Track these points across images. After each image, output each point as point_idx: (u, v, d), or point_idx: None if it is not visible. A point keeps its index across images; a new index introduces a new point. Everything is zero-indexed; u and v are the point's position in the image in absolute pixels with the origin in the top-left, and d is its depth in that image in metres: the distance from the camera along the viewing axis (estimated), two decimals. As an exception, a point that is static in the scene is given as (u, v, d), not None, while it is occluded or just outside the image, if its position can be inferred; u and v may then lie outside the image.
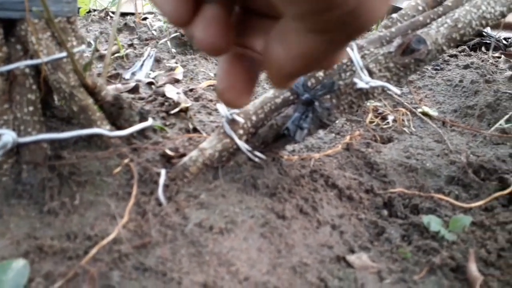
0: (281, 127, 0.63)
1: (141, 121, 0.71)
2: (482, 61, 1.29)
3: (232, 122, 0.65)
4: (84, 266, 0.47)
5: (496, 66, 1.22)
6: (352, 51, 0.62)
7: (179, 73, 1.17)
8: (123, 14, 1.65)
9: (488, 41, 1.49)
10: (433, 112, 0.90)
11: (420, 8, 0.65)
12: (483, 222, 0.55)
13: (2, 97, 0.58)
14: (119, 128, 0.68)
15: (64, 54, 0.60)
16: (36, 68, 0.60)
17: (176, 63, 1.24)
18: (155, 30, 1.38)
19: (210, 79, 1.17)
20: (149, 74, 1.15)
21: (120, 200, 0.57)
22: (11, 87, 0.59)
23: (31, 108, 0.59)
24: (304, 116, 0.62)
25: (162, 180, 0.60)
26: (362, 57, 0.62)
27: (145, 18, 1.50)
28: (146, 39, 1.34)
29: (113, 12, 1.59)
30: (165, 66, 1.23)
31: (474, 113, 0.85)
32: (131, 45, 1.30)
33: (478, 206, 0.58)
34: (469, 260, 0.48)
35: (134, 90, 1.00)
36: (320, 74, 0.63)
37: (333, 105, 0.62)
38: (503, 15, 0.58)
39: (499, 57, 1.34)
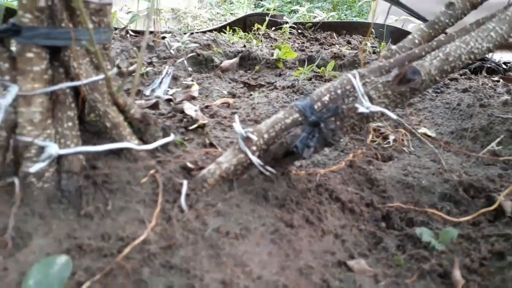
0: (290, 145, 0.70)
1: (164, 136, 0.79)
2: (482, 84, 1.36)
3: (246, 139, 0.72)
4: (119, 263, 0.54)
5: (494, 90, 1.28)
6: (355, 79, 0.69)
7: (195, 91, 1.25)
8: (140, 32, 1.75)
9: (489, 65, 1.56)
10: (431, 133, 0.97)
11: (417, 41, 0.73)
12: (470, 234, 0.62)
13: (46, 114, 0.66)
14: (145, 142, 0.76)
15: (100, 76, 0.68)
16: (75, 89, 0.69)
17: (192, 80, 1.33)
18: (173, 50, 1.47)
19: (224, 97, 1.25)
20: (167, 91, 1.24)
21: (147, 207, 0.65)
22: (54, 105, 0.67)
23: (70, 124, 0.67)
24: (311, 136, 0.69)
25: (184, 190, 0.67)
26: (364, 84, 0.69)
27: (163, 37, 1.59)
28: (165, 58, 1.43)
29: (132, 31, 1.69)
30: (182, 83, 1.31)
31: (469, 135, 0.92)
32: (150, 63, 1.39)
33: (466, 221, 0.65)
34: (454, 267, 0.54)
35: (155, 106, 1.08)
36: (326, 98, 0.71)
37: (337, 126, 0.69)
38: (490, 50, 0.65)
39: (498, 81, 1.41)
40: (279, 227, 0.64)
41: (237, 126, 0.74)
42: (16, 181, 0.63)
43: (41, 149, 0.64)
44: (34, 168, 0.61)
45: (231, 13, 3.85)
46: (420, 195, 0.75)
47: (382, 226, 0.69)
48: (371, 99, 0.67)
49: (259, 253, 0.59)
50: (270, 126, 0.73)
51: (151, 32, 1.74)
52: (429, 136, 0.95)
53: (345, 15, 5.23)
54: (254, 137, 0.71)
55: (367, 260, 0.60)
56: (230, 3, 4.78)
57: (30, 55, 0.63)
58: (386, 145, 0.93)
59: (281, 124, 0.72)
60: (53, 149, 0.64)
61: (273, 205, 0.70)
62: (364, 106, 0.66)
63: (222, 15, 3.63)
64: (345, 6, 5.95)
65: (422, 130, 1.00)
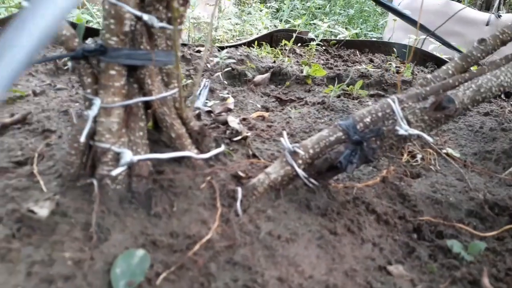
0: (334, 161, 0.79)
1: (216, 147, 0.87)
2: (501, 108, 1.43)
3: (293, 153, 0.80)
4: (191, 257, 0.62)
5: (514, 114, 1.36)
6: (394, 104, 0.78)
7: (231, 103, 1.34)
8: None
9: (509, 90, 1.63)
10: (456, 154, 1.05)
11: (450, 72, 0.81)
12: (495, 248, 0.69)
13: (122, 124, 0.75)
14: (201, 152, 0.84)
15: (169, 93, 0.77)
16: (146, 103, 0.78)
17: (228, 93, 1.42)
18: (208, 63, 1.56)
19: (258, 110, 1.34)
20: (206, 102, 1.33)
21: (207, 209, 0.73)
22: (128, 116, 0.76)
23: (141, 133, 0.76)
24: (353, 153, 0.77)
25: (239, 196, 0.75)
26: (402, 109, 0.77)
27: (198, 51, 1.69)
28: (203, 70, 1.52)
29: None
30: (218, 96, 1.40)
31: (491, 157, 1.00)
32: (188, 76, 1.48)
33: (491, 236, 0.72)
34: (483, 276, 0.62)
35: (197, 117, 1.17)
36: (367, 120, 0.79)
37: (378, 146, 0.77)
38: (518, 85, 0.73)
39: (517, 105, 1.48)
40: (324, 234, 0.72)
41: (285, 141, 0.82)
42: (95, 182, 0.72)
43: (117, 154, 0.73)
44: (115, 171, 0.69)
45: (250, 24, 3.94)
46: (448, 210, 0.82)
47: (414, 237, 0.76)
48: (409, 123, 0.75)
49: (308, 256, 0.67)
50: (315, 142, 0.81)
51: (185, 45, 1.83)
52: (453, 157, 1.03)
53: (361, 29, 5.29)
54: (301, 152, 0.80)
55: (404, 267, 0.67)
56: (248, 13, 4.88)
57: (112, 72, 0.72)
58: (415, 163, 1.01)
59: (325, 141, 0.80)
60: (128, 155, 0.73)
61: (316, 213, 0.78)
62: (403, 129, 0.74)
63: (242, 27, 3.73)
64: (361, 20, 6.02)
65: (447, 150, 1.07)
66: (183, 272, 0.61)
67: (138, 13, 0.70)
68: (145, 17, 0.70)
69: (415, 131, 0.74)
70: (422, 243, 0.75)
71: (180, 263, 0.62)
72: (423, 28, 1.69)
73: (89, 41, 0.76)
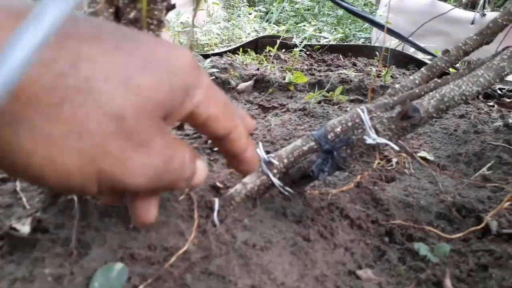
0: (307, 169, 0.82)
1: (195, 158, 0.90)
2: (478, 109, 1.47)
3: (269, 163, 0.83)
4: (167, 269, 0.65)
5: (489, 115, 1.40)
6: (363, 114, 0.81)
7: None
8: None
9: (486, 90, 1.67)
10: (430, 157, 1.08)
11: (417, 81, 0.85)
12: (460, 249, 0.72)
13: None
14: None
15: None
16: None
17: (211, 102, 1.44)
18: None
19: (241, 118, 1.36)
20: (189, 112, 1.35)
21: (185, 221, 0.76)
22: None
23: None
24: (325, 162, 0.80)
25: (216, 206, 0.78)
26: (371, 118, 0.81)
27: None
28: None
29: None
30: (202, 105, 1.43)
31: (463, 159, 1.03)
32: (172, 85, 1.51)
33: (458, 237, 0.76)
34: (445, 277, 0.65)
35: (180, 127, 1.20)
36: (338, 129, 0.82)
37: (348, 154, 0.80)
38: (479, 93, 0.76)
39: (493, 106, 1.52)
40: (297, 240, 0.75)
41: (260, 151, 0.85)
42: (75, 197, 0.75)
43: (96, 171, 0.76)
44: (93, 188, 0.72)
45: (239, 28, 3.96)
46: (419, 213, 0.86)
47: (386, 241, 0.80)
48: (377, 132, 0.78)
49: (282, 263, 0.70)
50: (290, 152, 0.84)
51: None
52: (427, 160, 1.07)
53: (349, 29, 5.33)
54: (275, 162, 0.83)
55: (373, 270, 0.70)
56: (238, 16, 4.91)
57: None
58: (390, 168, 1.04)
59: (299, 151, 0.84)
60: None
61: (291, 221, 0.81)
62: (371, 138, 0.78)
63: (231, 31, 3.75)
64: (349, 20, 6.06)
65: (422, 153, 1.11)
66: (159, 283, 0.64)
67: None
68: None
69: (383, 140, 0.77)
70: (393, 246, 0.78)
71: (157, 275, 0.65)
72: (396, 35, 1.73)
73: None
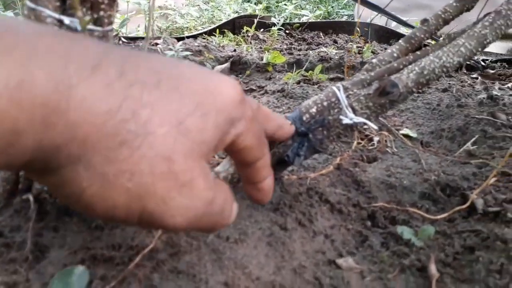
0: (282, 154, 0.77)
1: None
2: (461, 82, 1.43)
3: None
4: (132, 270, 0.60)
5: (473, 87, 1.36)
6: (339, 92, 0.76)
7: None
8: (133, 39, 1.79)
9: (468, 62, 1.63)
10: (412, 134, 1.04)
11: (395, 55, 0.79)
12: (445, 231, 0.69)
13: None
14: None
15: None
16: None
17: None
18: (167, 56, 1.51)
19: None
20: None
21: (153, 217, 0.71)
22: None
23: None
24: (301, 145, 0.75)
25: (186, 199, 0.73)
26: (347, 97, 0.75)
27: (156, 44, 1.64)
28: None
29: (125, 37, 1.73)
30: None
31: (447, 135, 0.99)
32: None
33: (442, 218, 0.72)
34: (430, 262, 0.61)
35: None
36: (313, 110, 0.77)
37: (324, 136, 0.75)
38: (460, 64, 0.72)
39: (477, 78, 1.48)
40: (274, 230, 0.70)
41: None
42: (31, 197, 0.69)
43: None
44: (48, 186, 0.66)
45: (218, 9, 3.84)
46: (402, 194, 0.82)
47: (368, 225, 0.76)
48: (354, 111, 0.73)
49: (257, 256, 0.66)
50: (263, 137, 0.79)
51: (142, 38, 1.78)
52: (410, 137, 1.02)
53: (332, 7, 5.24)
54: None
55: (354, 258, 0.66)
56: (217, -1, 4.78)
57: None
58: (371, 147, 1.00)
59: (273, 135, 0.78)
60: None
61: (268, 209, 0.76)
62: (348, 118, 0.73)
63: (211, 12, 3.64)
64: (332, -2, 5.96)
65: (405, 131, 1.07)
66: (124, 286, 0.59)
67: (59, 16, 0.65)
68: (67, 20, 0.65)
69: (361, 119, 0.72)
70: (375, 230, 0.74)
71: (121, 277, 0.60)
72: (372, 6, 1.67)
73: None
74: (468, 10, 0.79)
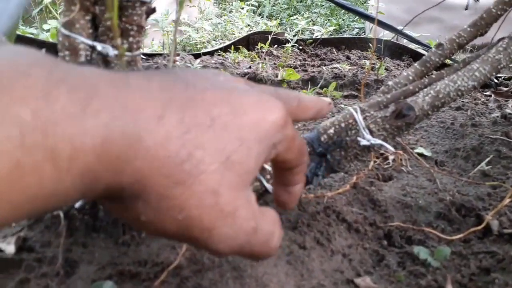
0: (300, 174, 0.79)
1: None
2: (475, 99, 1.44)
3: (262, 169, 0.81)
4: (158, 286, 0.62)
5: (486, 105, 1.37)
6: (356, 114, 0.78)
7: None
8: (151, 55, 1.84)
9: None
10: (427, 153, 1.06)
11: (411, 78, 0.82)
12: (461, 251, 0.70)
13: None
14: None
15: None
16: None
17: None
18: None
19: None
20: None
21: (176, 234, 0.73)
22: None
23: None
24: (319, 166, 0.78)
25: (208, 217, 0.76)
26: (364, 118, 0.78)
27: (174, 61, 1.68)
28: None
29: (143, 54, 1.78)
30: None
31: (461, 154, 1.01)
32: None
33: (458, 239, 0.74)
34: (447, 283, 0.63)
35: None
36: (331, 131, 0.80)
37: (342, 156, 0.78)
38: (475, 88, 0.74)
39: (490, 96, 1.49)
40: (293, 249, 0.73)
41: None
42: (61, 214, 0.72)
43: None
44: (78, 203, 0.69)
45: (231, 23, 3.90)
46: (418, 214, 0.83)
47: (385, 244, 0.77)
48: (371, 132, 0.76)
49: (277, 274, 0.68)
50: (282, 157, 0.81)
51: (160, 55, 1.83)
52: (424, 156, 1.04)
53: (343, 20, 5.27)
54: (268, 168, 0.80)
55: (372, 277, 0.68)
56: (230, 12, 4.85)
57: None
58: (386, 166, 1.02)
59: (292, 155, 0.81)
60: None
61: (286, 227, 0.79)
62: (366, 139, 0.75)
63: (223, 26, 3.70)
64: (343, 11, 6.01)
65: (419, 149, 1.08)
66: (150, 301, 0.61)
67: (92, 43, 0.69)
68: (99, 47, 0.69)
69: (378, 141, 0.75)
70: (392, 249, 0.75)
71: (148, 293, 0.62)
72: (388, 27, 1.70)
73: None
74: (481, 35, 0.82)
